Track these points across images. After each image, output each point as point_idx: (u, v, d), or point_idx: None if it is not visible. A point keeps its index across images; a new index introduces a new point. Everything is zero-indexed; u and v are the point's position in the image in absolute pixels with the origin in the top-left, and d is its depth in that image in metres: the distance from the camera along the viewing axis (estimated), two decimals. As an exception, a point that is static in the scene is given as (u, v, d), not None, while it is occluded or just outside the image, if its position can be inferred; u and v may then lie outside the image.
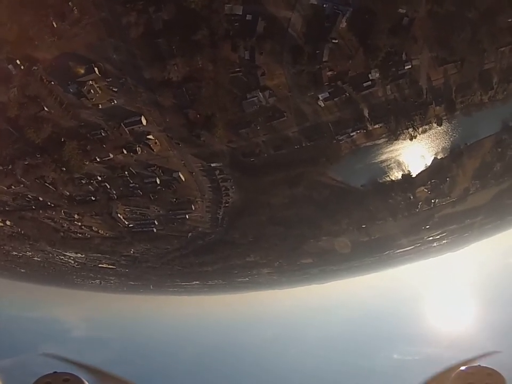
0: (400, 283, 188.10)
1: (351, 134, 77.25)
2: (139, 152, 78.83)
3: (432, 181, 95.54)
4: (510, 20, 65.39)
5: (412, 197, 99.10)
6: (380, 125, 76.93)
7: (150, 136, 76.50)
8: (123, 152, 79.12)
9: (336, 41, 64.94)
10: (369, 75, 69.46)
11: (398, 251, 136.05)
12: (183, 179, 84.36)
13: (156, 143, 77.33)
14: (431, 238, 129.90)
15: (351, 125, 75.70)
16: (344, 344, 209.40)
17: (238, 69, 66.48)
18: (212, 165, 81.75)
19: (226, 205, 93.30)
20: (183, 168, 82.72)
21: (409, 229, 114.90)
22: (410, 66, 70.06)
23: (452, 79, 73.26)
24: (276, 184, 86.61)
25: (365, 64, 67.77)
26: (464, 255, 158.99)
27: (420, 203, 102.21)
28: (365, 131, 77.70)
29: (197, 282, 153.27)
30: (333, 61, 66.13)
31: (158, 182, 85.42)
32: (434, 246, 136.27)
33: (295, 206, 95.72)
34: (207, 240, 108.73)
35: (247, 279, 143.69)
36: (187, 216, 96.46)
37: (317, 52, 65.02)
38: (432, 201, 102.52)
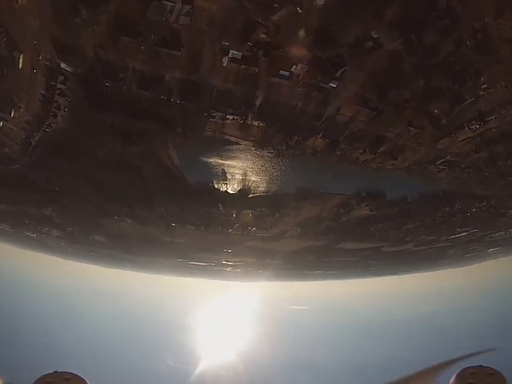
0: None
1: (227, 117, 57.58)
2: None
3: (263, 209, 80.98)
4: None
5: (234, 215, 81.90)
6: (261, 124, 59.07)
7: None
8: None
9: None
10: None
11: (192, 263, 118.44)
12: (20, 66, 51.95)
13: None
14: (226, 262, 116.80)
15: (235, 107, 56.14)
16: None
17: None
18: (62, 65, 51.86)
19: (47, 129, 62.53)
20: (30, 52, 50.75)
21: (212, 246, 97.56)
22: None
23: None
24: (112, 131, 60.12)
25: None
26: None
27: (236, 225, 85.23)
28: (241, 122, 59.04)
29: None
30: None
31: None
32: (227, 271, 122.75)
33: (118, 172, 69.83)
34: (8, 168, 73.26)
35: (34, 235, 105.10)
36: (1, 124, 61.80)
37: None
38: (249, 228, 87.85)
